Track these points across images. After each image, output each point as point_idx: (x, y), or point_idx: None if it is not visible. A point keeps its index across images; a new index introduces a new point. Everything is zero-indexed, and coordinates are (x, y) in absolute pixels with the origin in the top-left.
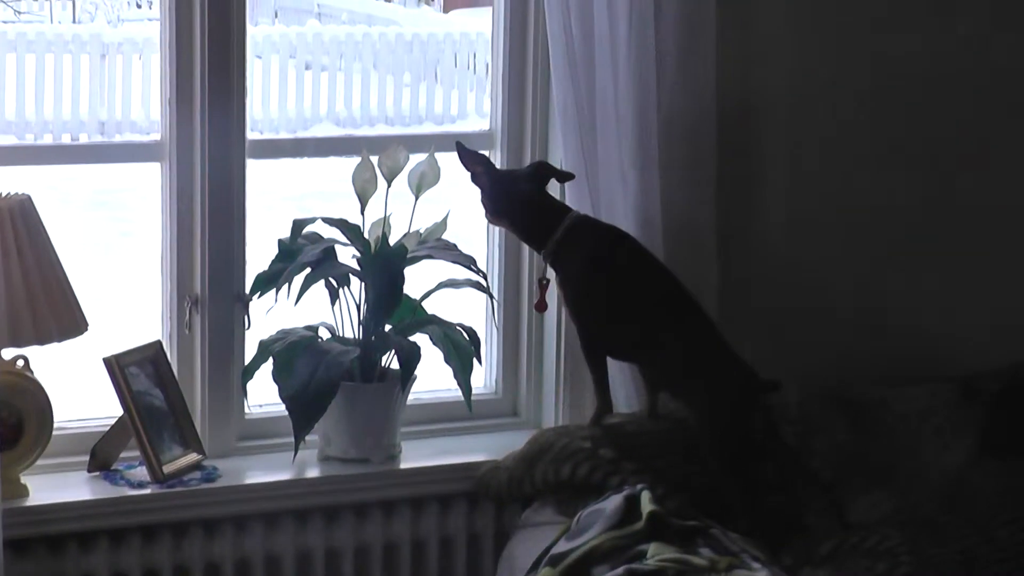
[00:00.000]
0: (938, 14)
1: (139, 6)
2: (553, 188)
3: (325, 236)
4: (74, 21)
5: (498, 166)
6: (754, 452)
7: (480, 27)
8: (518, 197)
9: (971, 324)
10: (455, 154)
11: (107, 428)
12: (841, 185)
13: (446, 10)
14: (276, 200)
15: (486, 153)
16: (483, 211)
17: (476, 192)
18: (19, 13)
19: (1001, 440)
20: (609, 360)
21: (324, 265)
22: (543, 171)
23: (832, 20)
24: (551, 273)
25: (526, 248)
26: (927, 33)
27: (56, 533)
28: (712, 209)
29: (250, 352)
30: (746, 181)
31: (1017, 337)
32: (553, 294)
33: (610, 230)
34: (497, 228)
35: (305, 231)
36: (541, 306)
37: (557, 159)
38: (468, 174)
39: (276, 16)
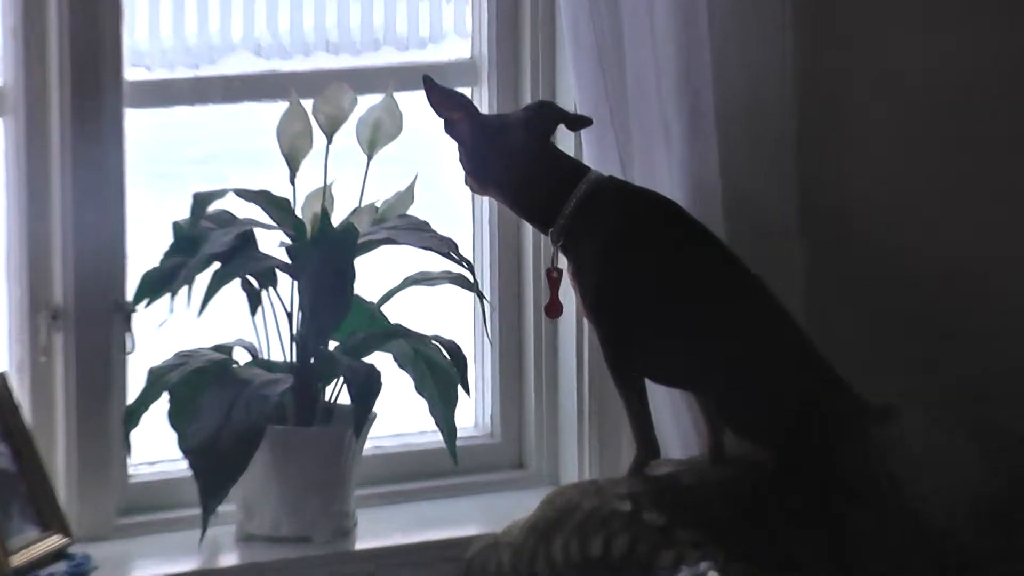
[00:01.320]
0: None
1: None
2: (565, 143)
3: (240, 216)
4: None
5: (484, 110)
6: (857, 502)
7: None
8: (513, 154)
9: None
10: (423, 93)
11: None
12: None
13: None
14: (171, 166)
15: (467, 92)
16: (464, 175)
17: (453, 148)
18: None
19: None
20: (652, 385)
21: (239, 258)
22: (547, 115)
23: None
24: (563, 261)
25: (529, 227)
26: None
27: None
28: (793, 175)
29: (136, 386)
30: (838, 138)
31: None
32: (569, 292)
33: (648, 196)
34: (485, 199)
35: (211, 210)
36: (553, 309)
37: (569, 100)
38: (441, 122)
39: None
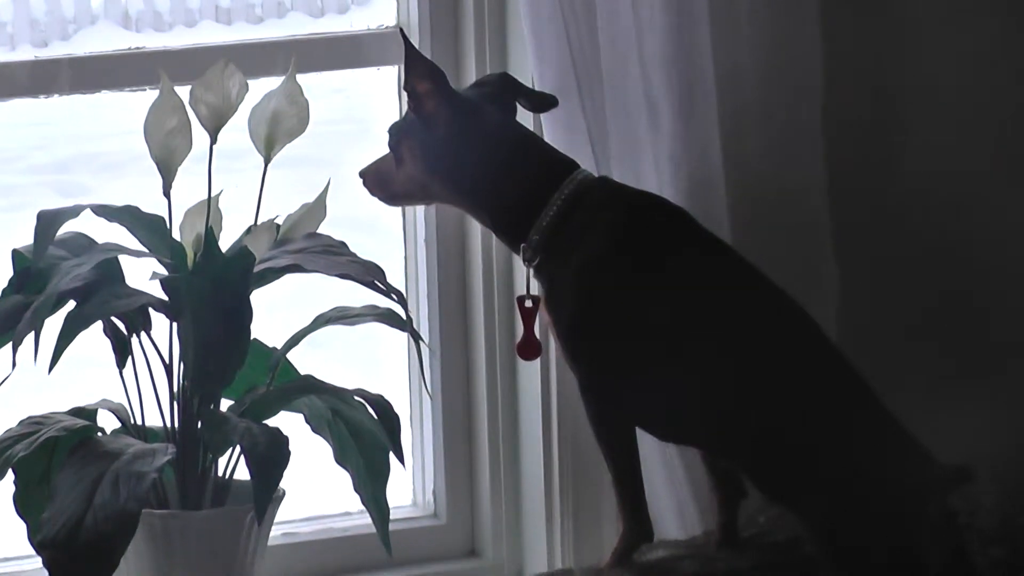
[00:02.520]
0: None
1: None
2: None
3: (100, 241)
4: None
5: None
6: None
7: None
8: (487, 141)
9: None
10: (336, 76)
11: None
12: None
13: None
14: (11, 176)
15: (392, 70)
16: (391, 172)
17: (381, 138)
18: None
19: None
20: (644, 442)
21: (99, 295)
22: (508, 91)
23: None
24: (537, 285)
25: (478, 241)
26: None
27: None
28: (821, 165)
29: None
30: (876, 124)
31: None
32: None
33: (652, 200)
34: (420, 210)
35: (62, 233)
36: (528, 350)
37: (525, 75)
38: (401, 97)
39: None
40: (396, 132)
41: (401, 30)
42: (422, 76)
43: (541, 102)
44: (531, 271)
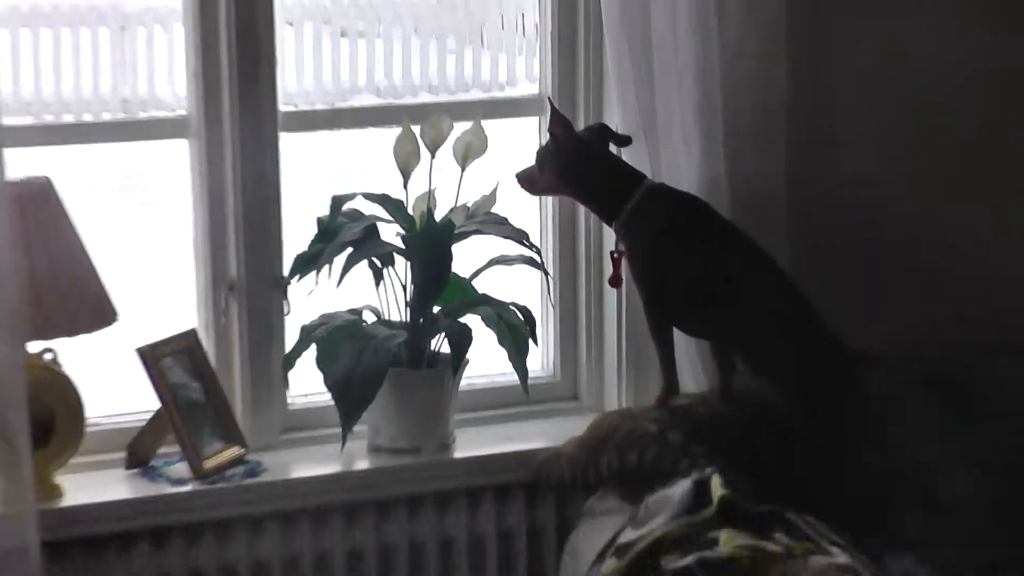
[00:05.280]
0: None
1: None
2: None
3: (367, 213)
4: None
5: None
6: (844, 431)
7: None
8: (594, 160)
9: None
10: (502, 122)
11: (143, 423)
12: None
13: None
14: (314, 176)
15: (534, 121)
16: (536, 178)
17: (527, 165)
18: None
19: None
20: (677, 337)
21: (367, 244)
22: (605, 132)
23: None
24: (621, 245)
25: (582, 221)
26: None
27: (94, 535)
28: (783, 178)
29: (291, 339)
30: (818, 148)
31: None
32: (625, 267)
33: (688, 200)
34: (550, 201)
35: (345, 208)
36: (616, 280)
37: (613, 124)
38: (546, 136)
39: None
40: (540, 154)
41: (548, 98)
42: (557, 123)
43: (623, 141)
44: (617, 237)
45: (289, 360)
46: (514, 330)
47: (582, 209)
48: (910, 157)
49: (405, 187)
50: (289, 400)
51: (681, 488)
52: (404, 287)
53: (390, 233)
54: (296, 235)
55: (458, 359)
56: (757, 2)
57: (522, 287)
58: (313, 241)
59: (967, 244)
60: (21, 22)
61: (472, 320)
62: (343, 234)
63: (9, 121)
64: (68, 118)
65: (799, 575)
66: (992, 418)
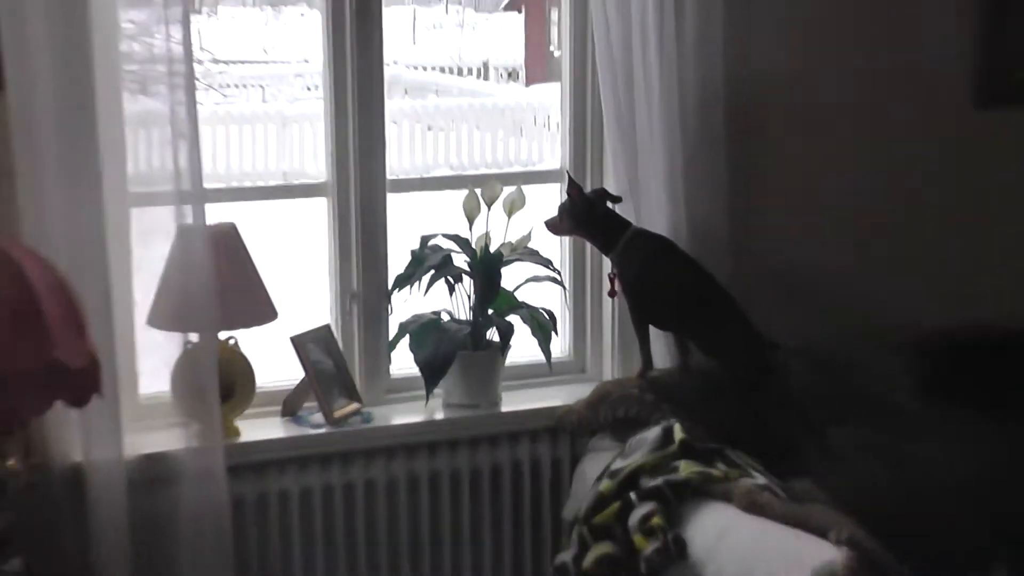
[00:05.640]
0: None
1: (309, 88)
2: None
3: (444, 247)
4: (263, 101)
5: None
6: (761, 393)
7: (552, 96)
8: (597, 213)
9: (914, 293)
10: (535, 186)
11: (293, 386)
12: (818, 193)
13: (528, 84)
14: (409, 222)
15: (556, 185)
16: (558, 224)
17: (551, 215)
18: (225, 97)
19: (935, 386)
20: (652, 331)
21: (444, 267)
22: (604, 194)
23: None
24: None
25: (588, 253)
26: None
27: (259, 461)
28: (724, 222)
29: (393, 331)
30: (750, 200)
31: (944, 305)
32: (617, 285)
33: (660, 239)
34: (567, 239)
35: (430, 243)
36: (612, 293)
37: (609, 188)
38: (563, 196)
39: (406, 93)
40: (560, 208)
41: (567, 171)
42: (572, 187)
43: (616, 200)
44: (612, 264)
45: (391, 345)
46: (542, 326)
47: (589, 245)
48: (811, 214)
49: (470, 229)
50: (391, 372)
51: (653, 433)
52: (468, 296)
53: (460, 260)
54: (397, 262)
55: (505, 345)
56: (708, 112)
57: (548, 297)
58: (408, 265)
59: (839, 269)
60: (217, 121)
61: (514, 319)
62: (428, 261)
63: (209, 185)
64: (247, 183)
65: (732, 491)
66: (856, 383)
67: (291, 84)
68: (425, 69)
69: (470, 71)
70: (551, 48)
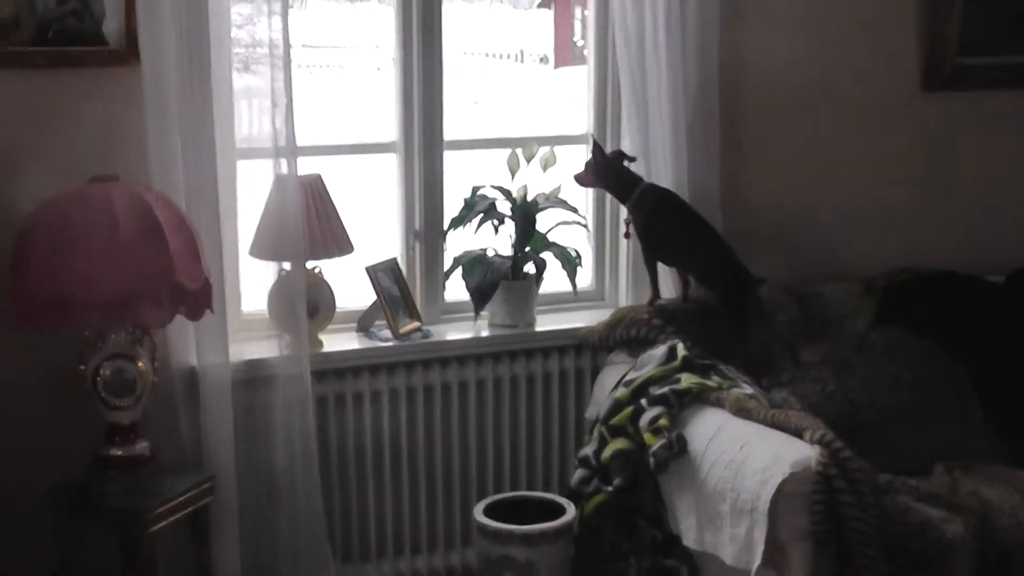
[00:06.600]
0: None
1: (379, 69)
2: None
3: (490, 195)
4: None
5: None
6: (747, 319)
7: (575, 77)
8: (615, 170)
9: (874, 243)
10: (567, 148)
11: (366, 307)
12: (796, 162)
13: (556, 67)
14: (463, 174)
15: (583, 146)
16: (584, 178)
17: (578, 171)
18: (311, 74)
19: (887, 316)
20: (659, 266)
21: (490, 212)
22: (621, 155)
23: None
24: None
25: (608, 202)
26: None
27: (338, 367)
28: (717, 179)
29: (447, 263)
30: (736, 164)
31: (896, 251)
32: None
33: (666, 192)
34: (591, 190)
35: (479, 192)
36: (627, 235)
37: (625, 149)
38: (588, 155)
39: (456, 72)
40: (586, 165)
41: (592, 134)
42: (595, 148)
43: (631, 159)
44: (628, 211)
45: (446, 275)
46: (569, 261)
47: (608, 195)
48: (790, 175)
49: (512, 181)
50: (445, 295)
51: (660, 350)
52: (510, 236)
53: (503, 207)
54: (452, 206)
55: (539, 276)
56: (706, 89)
57: (575, 237)
58: (461, 210)
59: (811, 220)
60: (307, 94)
61: (547, 255)
62: (477, 206)
63: (300, 143)
64: (330, 141)
65: (725, 398)
66: (819, 313)
67: (364, 65)
68: (473, 54)
69: (509, 56)
70: (575, 38)
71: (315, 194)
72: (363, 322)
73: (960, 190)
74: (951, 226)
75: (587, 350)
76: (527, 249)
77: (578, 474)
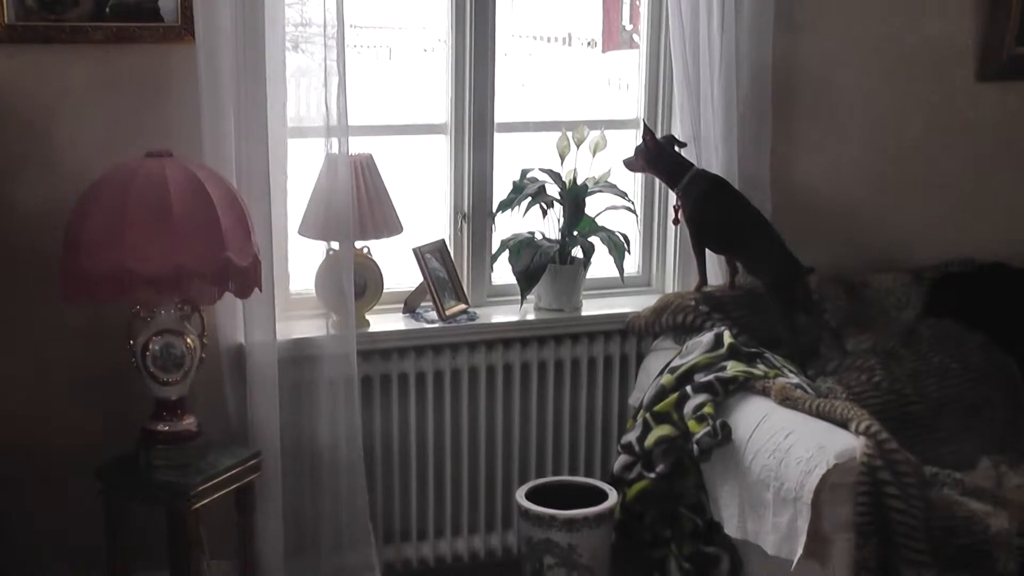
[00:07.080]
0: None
1: (425, 51)
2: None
3: (539, 179)
4: (389, 59)
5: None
6: (795, 307)
7: (623, 61)
8: (666, 155)
9: (925, 233)
10: (616, 132)
11: (413, 288)
12: (849, 145)
13: (604, 51)
14: (512, 157)
15: (634, 131)
16: (634, 162)
17: (628, 155)
18: (360, 55)
19: (936, 307)
20: (707, 253)
21: (539, 195)
22: (672, 140)
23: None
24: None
25: (657, 187)
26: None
27: (384, 348)
28: (768, 166)
29: (495, 245)
30: (787, 152)
31: (946, 243)
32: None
33: (716, 178)
34: (640, 175)
35: (528, 175)
36: (676, 221)
37: (676, 134)
38: (640, 139)
39: (506, 55)
40: (636, 150)
41: (643, 120)
42: (647, 133)
43: (682, 145)
44: (677, 197)
45: (493, 257)
46: (617, 246)
47: (657, 180)
48: (839, 166)
49: (561, 165)
50: (492, 278)
51: (707, 337)
52: (558, 220)
53: (553, 190)
54: (501, 189)
55: (587, 261)
56: (758, 79)
57: (623, 222)
58: (509, 192)
59: (860, 211)
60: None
61: (594, 239)
62: (526, 189)
63: (352, 123)
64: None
65: (769, 387)
66: (868, 303)
67: (412, 46)
68: (521, 37)
69: (556, 39)
70: (623, 23)
71: (365, 174)
72: (410, 303)
73: (1014, 182)
74: (1003, 218)
75: (633, 335)
76: (575, 233)
77: (621, 460)
